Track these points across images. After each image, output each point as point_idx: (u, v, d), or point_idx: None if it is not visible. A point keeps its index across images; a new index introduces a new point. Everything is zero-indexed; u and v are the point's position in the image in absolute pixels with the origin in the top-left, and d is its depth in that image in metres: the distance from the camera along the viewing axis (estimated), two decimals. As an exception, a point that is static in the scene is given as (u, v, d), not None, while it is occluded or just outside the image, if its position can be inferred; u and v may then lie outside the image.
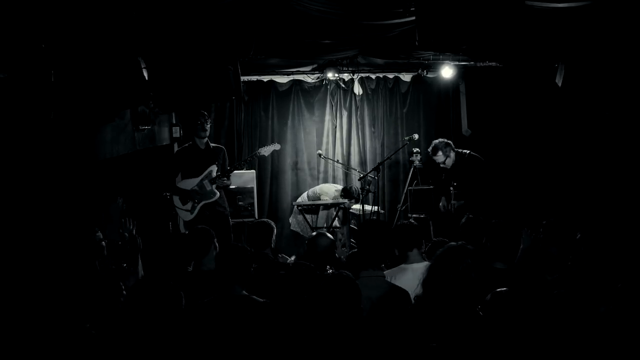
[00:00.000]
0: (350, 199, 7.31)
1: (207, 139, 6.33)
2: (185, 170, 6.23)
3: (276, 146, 6.79)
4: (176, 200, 6.24)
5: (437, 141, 6.85)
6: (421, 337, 2.77)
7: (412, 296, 3.26)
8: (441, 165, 6.81)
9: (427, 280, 2.93)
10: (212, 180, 6.16)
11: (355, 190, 7.35)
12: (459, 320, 2.76)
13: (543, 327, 2.83)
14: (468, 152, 6.91)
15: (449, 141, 6.84)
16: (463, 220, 4.95)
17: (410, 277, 3.69)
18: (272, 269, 3.99)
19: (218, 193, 6.19)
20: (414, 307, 3.02)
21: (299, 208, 7.49)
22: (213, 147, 6.37)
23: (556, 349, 2.81)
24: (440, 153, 6.72)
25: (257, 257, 4.35)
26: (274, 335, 3.06)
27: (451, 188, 6.68)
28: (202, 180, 6.17)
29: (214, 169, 6.22)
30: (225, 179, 6.21)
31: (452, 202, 6.69)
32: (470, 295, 2.84)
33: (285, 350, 2.97)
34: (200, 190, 6.17)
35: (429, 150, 6.91)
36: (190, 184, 6.19)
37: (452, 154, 6.75)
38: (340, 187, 7.64)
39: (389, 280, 3.73)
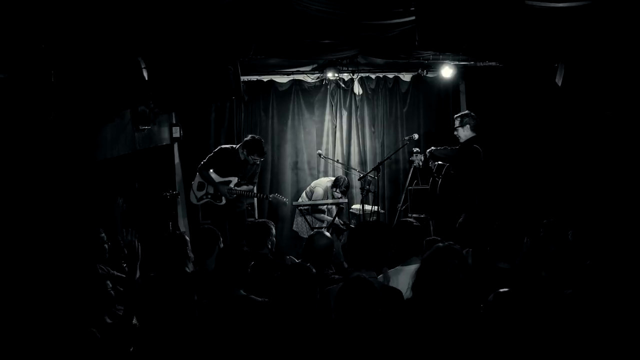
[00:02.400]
0: (335, 188, 7.36)
1: None
2: (218, 167, 6.84)
3: (285, 201, 7.27)
4: (195, 183, 6.92)
5: (468, 111, 6.80)
6: (413, 340, 2.77)
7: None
8: (454, 133, 6.72)
9: (416, 284, 2.93)
10: (230, 190, 6.81)
11: (343, 180, 7.41)
12: (450, 322, 2.76)
13: (545, 327, 2.83)
14: (477, 146, 6.83)
15: (477, 120, 6.67)
16: (461, 219, 4.94)
17: (407, 279, 3.67)
18: (270, 270, 3.98)
19: (224, 201, 6.80)
20: (404, 310, 3.01)
21: (299, 209, 7.49)
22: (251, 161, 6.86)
23: (555, 350, 2.81)
24: (458, 119, 6.63)
25: (255, 257, 4.35)
26: (273, 335, 3.06)
27: (436, 162, 6.75)
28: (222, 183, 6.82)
29: (234, 180, 6.80)
30: (239, 190, 6.84)
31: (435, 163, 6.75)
32: (463, 296, 2.83)
33: (284, 349, 2.97)
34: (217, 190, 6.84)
35: None
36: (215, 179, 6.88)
37: (467, 131, 6.56)
38: (333, 178, 7.70)
39: (386, 282, 3.71)
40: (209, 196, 6.84)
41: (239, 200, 6.89)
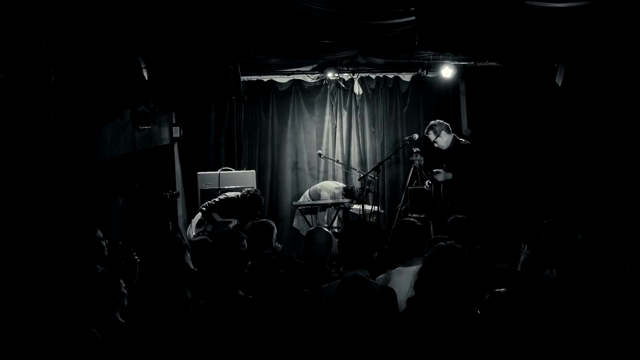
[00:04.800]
0: (351, 199, 7.32)
1: None
2: (221, 211, 6.83)
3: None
4: (195, 221, 6.86)
5: (433, 121, 6.91)
6: (416, 339, 2.77)
7: (405, 299, 3.21)
8: (435, 146, 6.84)
9: (419, 283, 2.93)
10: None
11: (357, 191, 7.36)
12: (454, 321, 2.76)
13: (542, 327, 2.84)
14: (465, 141, 6.91)
15: (447, 124, 6.84)
16: (450, 219, 4.93)
17: (408, 280, 3.65)
18: (272, 270, 3.97)
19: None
20: (407, 309, 3.01)
21: (299, 208, 7.49)
22: None
23: (554, 350, 2.81)
24: (431, 132, 6.79)
25: (258, 257, 4.35)
26: (273, 335, 3.06)
27: (435, 170, 6.76)
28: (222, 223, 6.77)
29: (234, 222, 6.77)
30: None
31: (438, 171, 6.74)
32: (466, 294, 2.83)
33: (283, 349, 2.97)
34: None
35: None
36: None
37: (446, 136, 6.74)
38: (341, 184, 7.65)
39: (386, 283, 3.69)
40: (206, 234, 6.77)
41: None
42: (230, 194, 6.85)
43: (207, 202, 6.76)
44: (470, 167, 6.58)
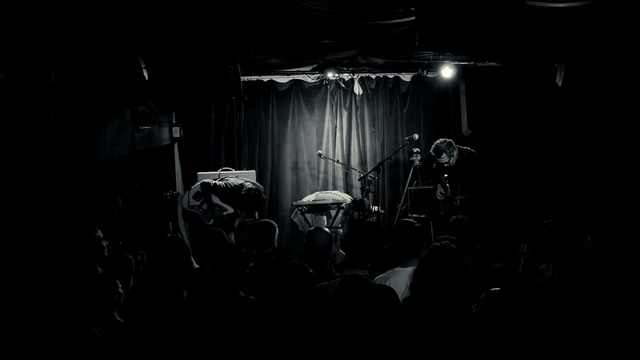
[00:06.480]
0: (361, 212, 7.25)
1: None
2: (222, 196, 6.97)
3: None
4: (193, 191, 7.00)
5: (438, 142, 6.74)
6: (411, 339, 2.77)
7: (401, 299, 3.22)
8: (445, 165, 6.77)
9: (414, 283, 2.93)
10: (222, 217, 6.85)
11: (366, 202, 7.29)
12: (449, 320, 2.76)
13: (536, 327, 2.84)
14: (467, 148, 6.93)
15: (450, 140, 6.80)
16: (451, 220, 4.94)
17: (405, 280, 3.65)
18: (274, 270, 3.97)
19: (211, 222, 6.87)
20: (402, 310, 3.01)
21: (299, 208, 7.49)
22: None
23: (549, 349, 2.81)
24: (444, 155, 6.64)
25: (259, 257, 4.35)
26: (273, 335, 3.06)
27: (447, 184, 6.72)
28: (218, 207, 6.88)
29: (230, 210, 6.88)
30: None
31: (457, 197, 6.70)
32: (461, 294, 2.83)
33: (283, 349, 2.97)
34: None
35: (431, 152, 6.81)
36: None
37: (455, 152, 6.71)
38: (343, 195, 7.62)
39: (384, 283, 3.69)
40: (200, 210, 6.86)
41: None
42: (231, 181, 6.87)
43: (210, 181, 6.88)
44: (479, 177, 6.61)
